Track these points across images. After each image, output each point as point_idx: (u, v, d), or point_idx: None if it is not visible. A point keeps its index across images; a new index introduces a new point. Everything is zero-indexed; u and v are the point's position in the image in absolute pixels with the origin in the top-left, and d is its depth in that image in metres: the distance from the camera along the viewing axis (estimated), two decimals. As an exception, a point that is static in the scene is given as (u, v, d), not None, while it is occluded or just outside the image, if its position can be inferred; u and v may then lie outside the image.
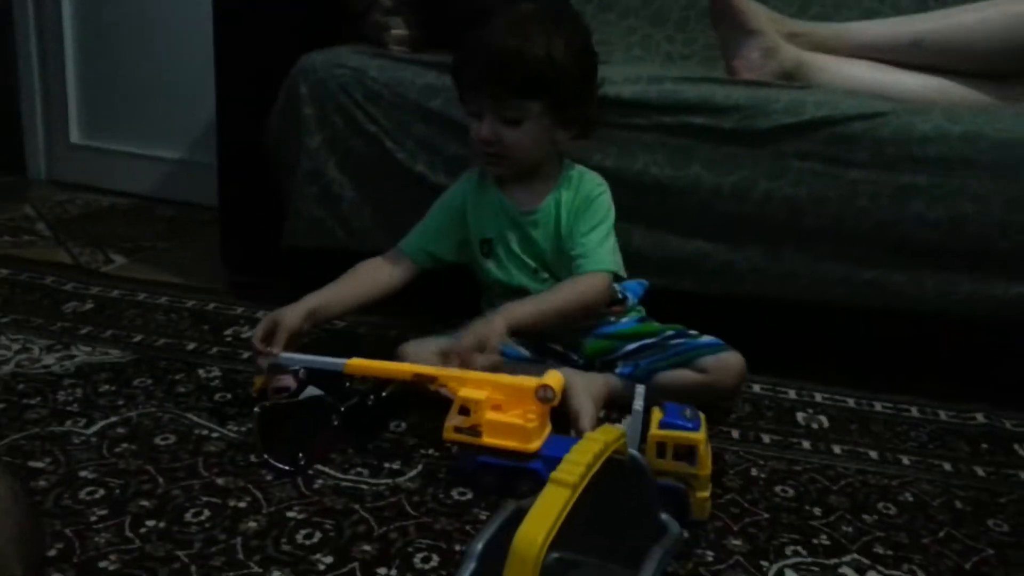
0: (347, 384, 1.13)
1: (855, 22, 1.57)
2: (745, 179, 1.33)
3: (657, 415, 0.98)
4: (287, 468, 1.02)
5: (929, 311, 1.33)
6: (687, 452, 0.95)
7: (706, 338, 1.24)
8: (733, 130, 1.33)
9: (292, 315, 1.20)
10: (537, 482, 0.97)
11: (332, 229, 1.50)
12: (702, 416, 0.99)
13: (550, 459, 0.97)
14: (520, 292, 1.27)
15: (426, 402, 1.15)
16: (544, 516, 0.65)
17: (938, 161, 1.28)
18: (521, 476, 0.99)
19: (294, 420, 1.10)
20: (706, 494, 0.97)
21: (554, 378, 1.02)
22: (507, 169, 1.26)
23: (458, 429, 1.01)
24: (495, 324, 1.15)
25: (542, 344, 1.28)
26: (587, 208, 1.26)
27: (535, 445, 1.00)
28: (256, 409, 1.08)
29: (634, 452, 0.85)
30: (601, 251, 1.25)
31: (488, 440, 1.00)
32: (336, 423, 1.10)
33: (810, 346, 1.44)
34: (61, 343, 1.35)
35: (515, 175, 1.28)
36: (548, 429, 1.03)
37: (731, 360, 1.21)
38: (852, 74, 1.46)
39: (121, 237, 2.01)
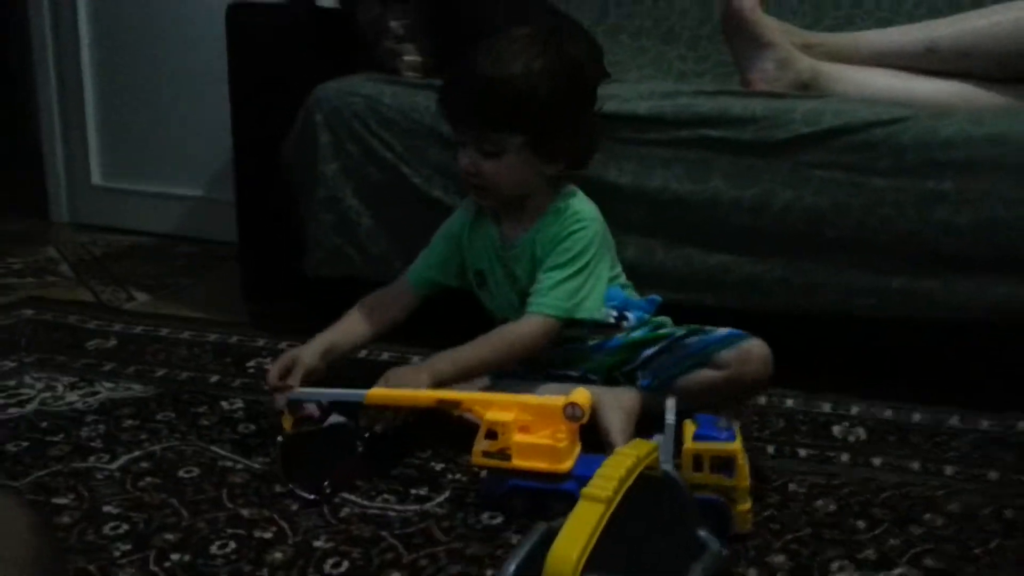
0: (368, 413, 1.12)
1: (869, 31, 1.56)
2: (765, 191, 1.31)
3: (690, 428, 0.96)
4: (312, 497, 1.00)
5: (962, 318, 1.30)
6: (724, 464, 0.93)
7: (723, 330, 1.18)
8: (751, 142, 1.31)
9: (308, 353, 1.19)
10: (571, 503, 0.94)
11: (350, 257, 1.49)
12: (737, 426, 0.97)
13: (583, 478, 0.94)
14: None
15: (448, 428, 1.13)
16: (578, 533, 0.63)
17: (963, 165, 1.25)
18: (554, 498, 0.96)
19: (318, 448, 1.09)
20: (747, 506, 0.94)
21: (582, 395, 0.99)
22: (491, 201, 1.24)
23: (487, 453, 0.99)
24: (420, 378, 1.12)
25: (555, 372, 1.26)
26: (559, 244, 1.20)
27: (567, 465, 0.97)
28: (279, 439, 1.06)
29: (667, 467, 0.82)
30: (554, 292, 1.18)
31: (518, 463, 0.98)
32: (361, 450, 1.08)
33: (841, 358, 1.41)
34: (84, 380, 1.35)
35: (503, 207, 1.25)
36: (578, 448, 1.01)
37: (752, 349, 1.15)
38: (868, 82, 1.45)
39: (143, 275, 2.02)
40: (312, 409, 1.15)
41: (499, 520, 0.98)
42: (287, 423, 1.12)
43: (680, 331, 1.22)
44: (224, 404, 1.27)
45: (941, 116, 1.29)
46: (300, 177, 1.52)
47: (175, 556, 0.90)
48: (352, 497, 1.02)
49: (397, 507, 1.01)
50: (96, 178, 2.52)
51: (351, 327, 1.26)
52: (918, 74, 1.45)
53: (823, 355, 1.39)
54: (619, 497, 0.67)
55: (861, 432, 1.25)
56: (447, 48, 1.57)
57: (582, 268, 1.20)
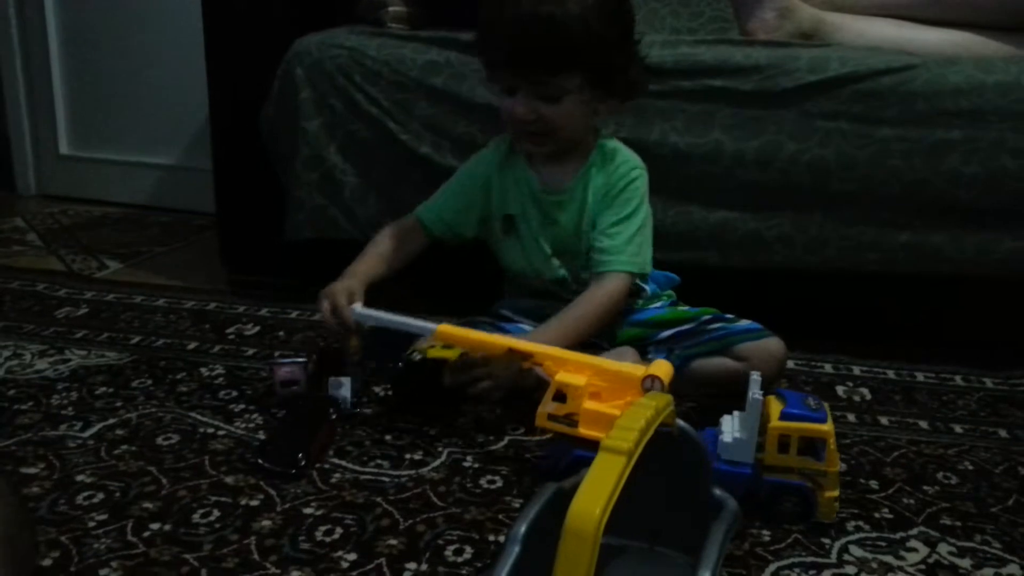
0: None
1: (871, -21, 1.50)
2: (769, 143, 1.27)
3: (776, 405, 0.88)
4: (290, 472, 0.94)
5: (969, 273, 1.26)
6: (813, 446, 0.85)
7: (744, 322, 1.15)
8: (754, 92, 1.26)
9: (356, 284, 1.13)
10: None
11: (335, 218, 1.42)
12: (826, 406, 0.88)
13: None
14: (532, 278, 1.22)
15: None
16: (600, 487, 0.57)
17: (973, 114, 1.22)
18: None
19: (291, 421, 1.03)
20: (835, 493, 0.86)
21: (663, 368, 0.90)
22: (549, 147, 1.16)
23: (552, 417, 0.90)
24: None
25: None
26: (618, 195, 1.16)
27: None
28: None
29: (682, 423, 0.77)
30: (627, 249, 1.15)
31: (585, 431, 0.88)
32: (334, 417, 1.03)
33: (842, 317, 1.37)
34: (54, 348, 1.27)
35: (552, 152, 1.18)
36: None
37: (772, 346, 1.13)
38: (872, 31, 1.40)
39: (115, 244, 1.94)
40: (297, 373, 1.11)
41: (499, 484, 0.93)
42: (353, 344, 1.10)
43: (704, 315, 1.17)
44: (203, 370, 1.21)
45: (950, 63, 1.25)
46: (281, 135, 1.44)
47: (154, 526, 0.84)
48: (343, 462, 0.97)
49: (391, 472, 0.95)
50: (64, 147, 2.43)
51: (379, 261, 1.20)
52: (923, 23, 1.40)
53: (823, 314, 1.36)
54: (640, 450, 0.62)
55: (865, 392, 1.22)
56: (433, -2, 1.50)
57: (643, 222, 1.17)
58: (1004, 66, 1.24)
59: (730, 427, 0.89)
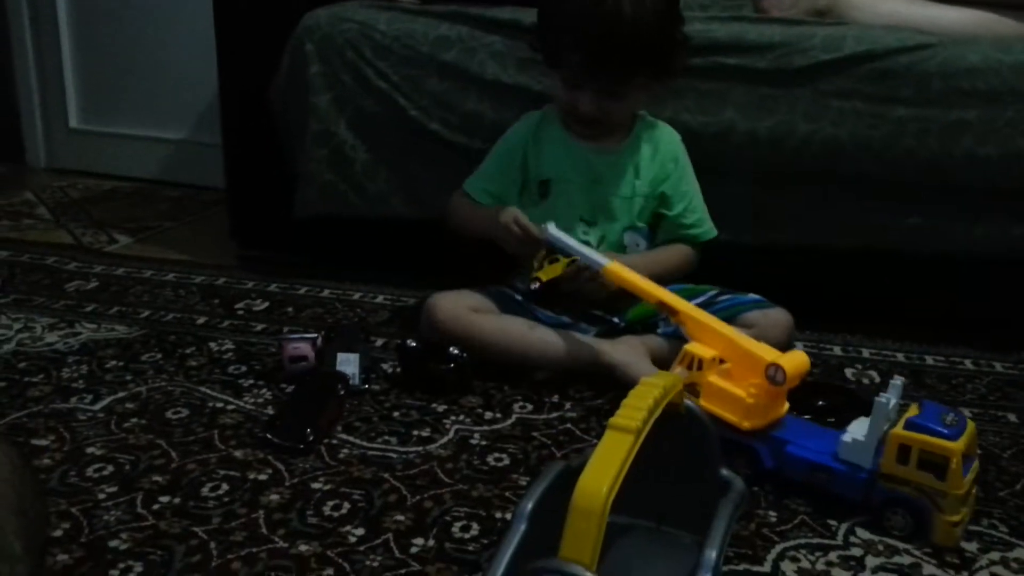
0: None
1: (889, -43, 1.48)
2: (782, 122, 1.25)
3: (910, 412, 0.84)
4: (299, 447, 0.94)
5: (982, 255, 1.25)
6: (935, 463, 0.80)
7: (751, 295, 1.18)
8: (768, 70, 1.25)
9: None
10: (755, 463, 0.90)
11: (345, 193, 1.42)
12: (970, 426, 0.83)
13: (779, 442, 0.89)
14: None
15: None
16: (607, 465, 0.58)
17: (989, 94, 1.20)
18: (737, 452, 0.90)
19: (299, 397, 1.04)
20: (956, 518, 0.80)
21: (795, 361, 0.90)
22: (602, 134, 1.22)
23: None
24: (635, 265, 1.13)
25: (582, 310, 1.20)
26: (681, 168, 1.24)
27: (748, 423, 0.89)
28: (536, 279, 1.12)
29: (690, 403, 0.77)
30: (707, 218, 1.26)
31: (704, 403, 0.90)
32: (343, 393, 1.03)
33: (850, 300, 1.37)
34: (65, 321, 1.28)
35: None
36: (784, 408, 0.93)
37: (778, 315, 1.15)
38: (888, 10, 1.38)
39: (125, 218, 1.94)
40: (305, 349, 1.11)
41: (506, 462, 0.94)
42: (561, 265, 1.13)
43: (713, 291, 1.20)
44: (213, 345, 1.21)
45: (967, 43, 1.23)
46: (290, 110, 1.44)
47: (164, 498, 0.84)
48: (351, 438, 0.97)
49: (399, 448, 0.95)
50: (74, 121, 2.43)
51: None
52: (939, 2, 1.38)
53: (830, 295, 1.35)
54: (648, 428, 0.62)
55: (875, 375, 1.21)
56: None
57: (698, 186, 1.26)
58: (1021, 46, 1.22)
59: (857, 428, 0.87)
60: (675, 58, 1.17)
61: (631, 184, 1.22)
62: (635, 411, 0.62)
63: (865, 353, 1.28)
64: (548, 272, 1.13)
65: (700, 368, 0.93)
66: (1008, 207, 1.23)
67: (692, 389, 0.91)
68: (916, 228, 1.26)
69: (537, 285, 1.13)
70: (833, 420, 0.99)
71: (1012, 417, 1.10)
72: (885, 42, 1.23)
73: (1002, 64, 1.20)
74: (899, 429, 0.82)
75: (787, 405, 0.93)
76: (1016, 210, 1.23)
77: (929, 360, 1.27)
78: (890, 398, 0.85)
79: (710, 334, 0.96)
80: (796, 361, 0.90)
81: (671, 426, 0.72)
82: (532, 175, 1.24)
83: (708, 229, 1.27)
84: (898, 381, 0.87)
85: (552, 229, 1.14)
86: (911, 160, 1.23)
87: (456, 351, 1.09)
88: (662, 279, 1.15)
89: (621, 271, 1.08)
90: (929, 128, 1.21)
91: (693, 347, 0.95)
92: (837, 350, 1.29)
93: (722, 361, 0.95)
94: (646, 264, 1.17)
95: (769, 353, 0.91)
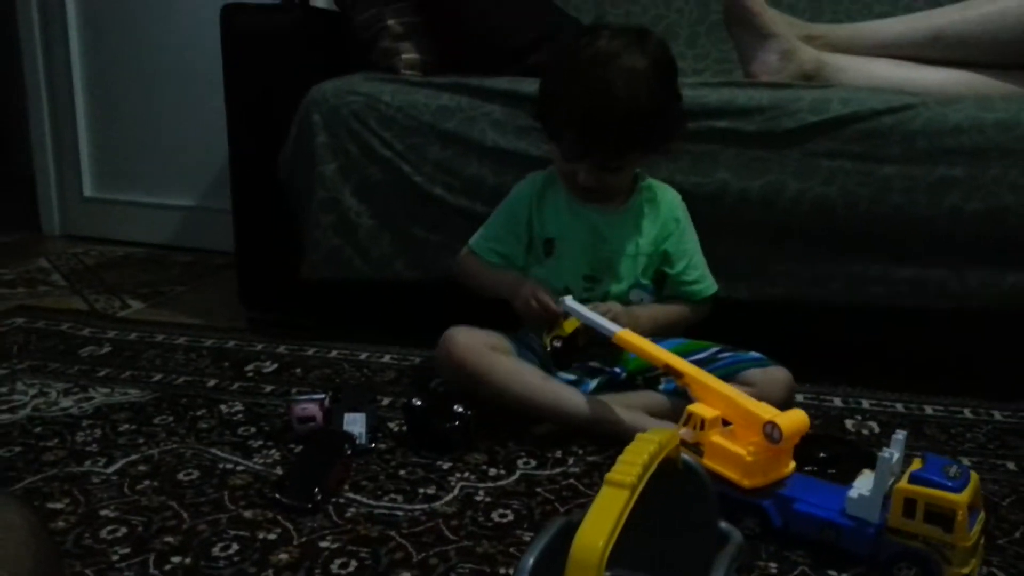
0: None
1: (871, 21, 1.54)
2: (773, 182, 1.29)
3: (914, 465, 0.85)
4: (307, 506, 0.96)
5: (972, 307, 1.28)
6: (941, 515, 0.81)
7: (751, 353, 1.20)
8: (758, 132, 1.29)
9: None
10: (765, 521, 0.91)
11: (350, 259, 1.46)
12: (974, 477, 0.84)
13: (786, 500, 0.91)
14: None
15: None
16: (603, 520, 0.60)
17: (973, 151, 1.24)
18: (746, 511, 0.91)
19: (307, 456, 1.06)
20: (965, 570, 0.81)
21: (792, 418, 0.91)
22: (603, 199, 1.26)
23: (683, 443, 0.90)
24: (638, 319, 1.21)
25: (582, 363, 1.23)
26: (682, 227, 1.28)
27: (749, 481, 0.91)
28: (554, 343, 1.19)
29: (687, 457, 0.79)
30: (708, 273, 1.30)
31: (708, 463, 0.92)
32: (349, 452, 1.06)
33: (849, 352, 1.39)
34: (79, 386, 1.31)
35: None
36: (790, 467, 0.94)
37: (778, 373, 1.17)
38: (873, 72, 1.43)
39: (137, 283, 1.99)
40: (313, 410, 1.13)
41: (510, 518, 0.95)
42: (568, 327, 1.18)
43: (714, 347, 1.22)
44: (223, 407, 1.24)
45: (950, 102, 1.27)
46: (298, 178, 1.49)
47: (176, 559, 0.86)
48: (358, 497, 0.99)
49: (405, 506, 0.97)
50: (88, 190, 2.49)
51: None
52: (922, 63, 1.43)
53: (831, 348, 1.37)
54: (643, 484, 0.64)
55: (874, 426, 1.23)
56: (447, 46, 1.55)
57: (698, 244, 1.30)
58: (1004, 104, 1.26)
59: (863, 483, 0.88)
60: (672, 132, 1.21)
61: (635, 243, 1.26)
62: (630, 467, 0.65)
63: (865, 404, 1.30)
64: (568, 326, 1.17)
65: (703, 428, 0.95)
66: (996, 259, 1.25)
67: (696, 449, 0.94)
68: (909, 281, 1.29)
69: (559, 343, 1.18)
70: (834, 471, 1.01)
71: (1011, 465, 1.11)
72: (870, 103, 1.27)
73: (985, 122, 1.24)
74: (904, 483, 0.83)
75: (793, 463, 0.94)
76: (1004, 262, 1.25)
77: (928, 410, 1.28)
78: (893, 452, 0.86)
79: (713, 394, 0.99)
80: (793, 419, 0.91)
81: (669, 480, 0.74)
82: (537, 233, 1.28)
83: (709, 285, 1.30)
84: (900, 435, 0.88)
85: (569, 301, 1.18)
86: (899, 216, 1.26)
87: (460, 409, 1.11)
88: (665, 333, 1.22)
89: (631, 338, 1.11)
90: (916, 185, 1.25)
91: (696, 407, 0.97)
92: (837, 401, 1.31)
93: (727, 423, 0.97)
94: (651, 318, 1.24)
95: (767, 411, 0.92)
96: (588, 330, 1.17)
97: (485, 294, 1.29)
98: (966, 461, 1.12)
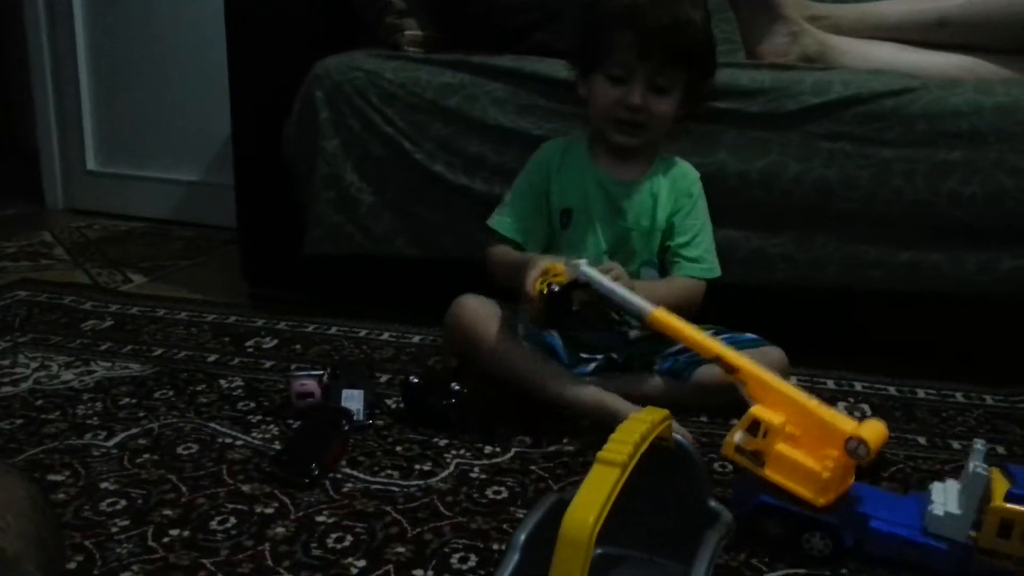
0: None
1: (877, 3, 1.53)
2: (774, 163, 1.30)
3: (1000, 483, 0.80)
4: (304, 481, 0.97)
5: (969, 292, 1.29)
6: None
7: (748, 335, 1.19)
8: (759, 114, 1.29)
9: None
10: (835, 539, 0.83)
11: (351, 235, 1.47)
12: None
13: (860, 517, 0.84)
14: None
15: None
16: (593, 497, 0.61)
17: (972, 135, 1.24)
18: (814, 528, 0.84)
19: (305, 431, 1.08)
20: None
21: (877, 433, 0.82)
22: (640, 139, 1.22)
23: (739, 449, 0.85)
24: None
25: (580, 343, 1.23)
26: (694, 202, 1.25)
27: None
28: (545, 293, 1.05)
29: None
30: (711, 255, 1.26)
31: (771, 474, 0.83)
32: (347, 428, 1.07)
33: (843, 334, 1.40)
34: (80, 359, 1.32)
35: (617, 149, 1.23)
36: (851, 481, 0.87)
37: (773, 354, 1.17)
38: (876, 55, 1.43)
39: (139, 258, 2.00)
40: (312, 386, 1.15)
41: (504, 495, 0.97)
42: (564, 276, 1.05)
43: (710, 329, 1.17)
44: (223, 382, 1.25)
45: (950, 86, 1.27)
46: (300, 154, 1.49)
47: (174, 531, 0.88)
48: (355, 472, 1.00)
49: (401, 482, 0.99)
50: (91, 163, 2.50)
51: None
52: (926, 48, 1.43)
53: (825, 331, 1.38)
54: (634, 462, 0.65)
55: (866, 408, 1.24)
56: (451, 22, 1.54)
57: (710, 227, 1.27)
58: (1004, 88, 1.26)
59: (942, 497, 0.84)
60: (707, 74, 1.22)
61: (650, 218, 1.24)
62: (622, 445, 0.66)
63: (858, 387, 1.31)
64: (560, 281, 1.05)
65: (766, 435, 0.85)
66: (994, 244, 1.26)
67: (755, 457, 0.84)
68: (906, 265, 1.29)
69: (557, 289, 1.04)
70: None
71: (1000, 449, 1.12)
72: (871, 86, 1.27)
73: (984, 106, 1.24)
74: (1000, 503, 0.78)
75: (853, 477, 0.87)
76: (1001, 246, 1.26)
77: (921, 393, 1.29)
78: (986, 467, 0.81)
79: (777, 397, 0.87)
80: (878, 433, 0.82)
81: (661, 459, 0.75)
82: (556, 201, 1.25)
83: (711, 267, 1.25)
84: (980, 446, 0.83)
85: (585, 267, 1.05)
86: (898, 199, 1.26)
87: (456, 387, 1.12)
88: (675, 309, 1.11)
89: (669, 320, 1.00)
90: (915, 168, 1.25)
91: (760, 411, 0.85)
92: (830, 384, 1.32)
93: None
94: (654, 292, 1.12)
95: (847, 423, 0.83)
96: (590, 295, 1.05)
97: (513, 286, 1.16)
98: (956, 444, 1.13)
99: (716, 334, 1.18)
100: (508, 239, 1.25)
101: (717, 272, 1.26)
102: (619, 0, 1.17)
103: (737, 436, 0.86)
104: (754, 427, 0.85)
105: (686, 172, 1.27)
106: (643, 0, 1.15)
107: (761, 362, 1.11)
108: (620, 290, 1.04)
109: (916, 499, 0.87)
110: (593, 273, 1.05)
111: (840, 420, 0.84)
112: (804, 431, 0.84)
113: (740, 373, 0.91)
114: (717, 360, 0.95)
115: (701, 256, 1.25)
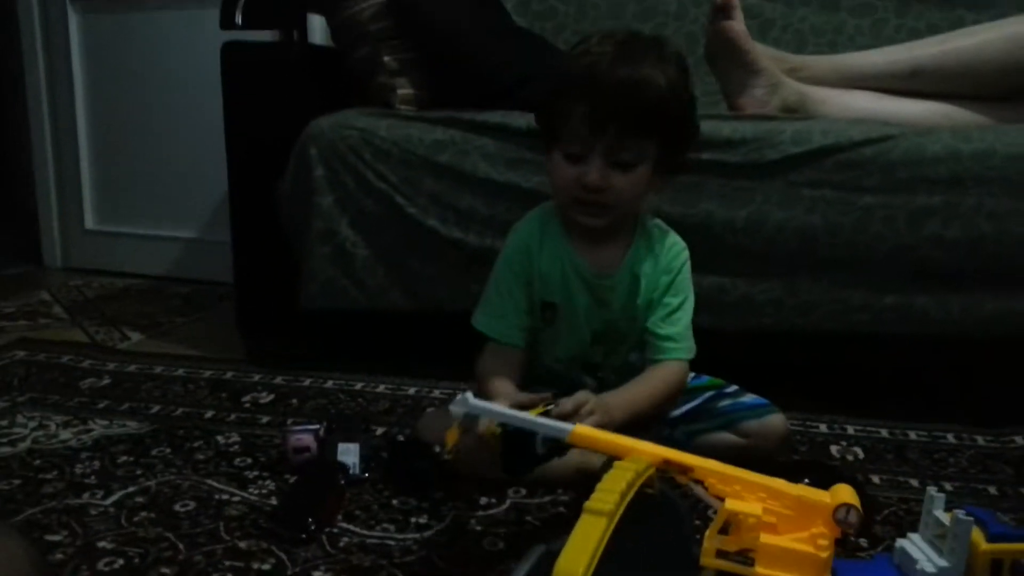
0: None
1: (853, 53, 1.58)
2: (757, 212, 1.33)
3: (975, 528, 0.79)
4: (301, 536, 0.98)
5: (954, 334, 1.30)
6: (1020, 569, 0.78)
7: (750, 397, 1.17)
8: (742, 163, 1.33)
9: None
10: None
11: (346, 289, 1.49)
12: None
13: None
14: (562, 365, 1.20)
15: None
16: (582, 547, 0.62)
17: (951, 181, 1.27)
18: None
19: (301, 486, 1.09)
20: None
21: (849, 493, 0.76)
22: (605, 220, 1.11)
23: (722, 554, 0.76)
24: (612, 411, 1.01)
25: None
26: (674, 280, 1.15)
27: None
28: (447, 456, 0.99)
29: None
30: (687, 335, 1.15)
31: (765, 572, 0.75)
32: (343, 483, 1.08)
33: (835, 378, 1.42)
34: (78, 418, 1.34)
35: (602, 229, 1.13)
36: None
37: (775, 423, 1.14)
38: (854, 105, 1.47)
39: (137, 315, 2.02)
40: (308, 440, 1.16)
41: (500, 546, 0.97)
42: (450, 439, 0.92)
43: (709, 392, 1.19)
44: (219, 438, 1.26)
45: (928, 133, 1.30)
46: (295, 210, 1.52)
47: (172, 590, 0.88)
48: (351, 527, 1.01)
49: (397, 536, 0.99)
50: (90, 223, 2.53)
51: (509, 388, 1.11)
52: (901, 96, 1.47)
53: (817, 375, 1.40)
54: (621, 511, 0.66)
55: (859, 451, 1.25)
56: (443, 82, 1.59)
57: (691, 304, 1.17)
58: (980, 134, 1.30)
59: (919, 553, 0.81)
60: (682, 139, 1.09)
61: (634, 304, 1.16)
62: (608, 494, 0.67)
63: (850, 430, 1.32)
64: (489, 431, 0.91)
65: (745, 530, 0.76)
66: (976, 287, 1.28)
67: (743, 558, 0.76)
68: (892, 308, 1.31)
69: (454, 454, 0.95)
70: None
71: (992, 490, 1.13)
72: (850, 134, 1.31)
73: (961, 152, 1.27)
74: (986, 544, 0.79)
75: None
76: (984, 289, 1.28)
77: (912, 435, 1.31)
78: (967, 512, 0.79)
79: (744, 487, 0.78)
80: (853, 494, 0.76)
81: (646, 508, 0.76)
82: (537, 292, 1.16)
83: (684, 347, 1.14)
84: (935, 492, 0.83)
85: (473, 400, 0.87)
86: (881, 244, 1.29)
87: (439, 448, 1.12)
88: (649, 411, 1.09)
89: (591, 434, 0.84)
90: (896, 214, 1.28)
91: (736, 504, 0.76)
92: (823, 427, 1.33)
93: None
94: (628, 406, 1.05)
95: (823, 495, 0.76)
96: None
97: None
98: (948, 486, 1.14)
99: (719, 393, 1.19)
100: (519, 347, 1.17)
101: (691, 354, 1.15)
102: (577, 63, 1.06)
103: (716, 541, 0.76)
104: (731, 524, 0.76)
105: (669, 247, 1.17)
106: (601, 61, 1.03)
107: (761, 435, 1.13)
108: (528, 417, 0.88)
109: (885, 560, 0.85)
110: (487, 406, 0.89)
111: (818, 493, 0.77)
112: (780, 516, 0.76)
113: (694, 472, 0.80)
114: (664, 462, 0.80)
115: (677, 334, 1.15)
